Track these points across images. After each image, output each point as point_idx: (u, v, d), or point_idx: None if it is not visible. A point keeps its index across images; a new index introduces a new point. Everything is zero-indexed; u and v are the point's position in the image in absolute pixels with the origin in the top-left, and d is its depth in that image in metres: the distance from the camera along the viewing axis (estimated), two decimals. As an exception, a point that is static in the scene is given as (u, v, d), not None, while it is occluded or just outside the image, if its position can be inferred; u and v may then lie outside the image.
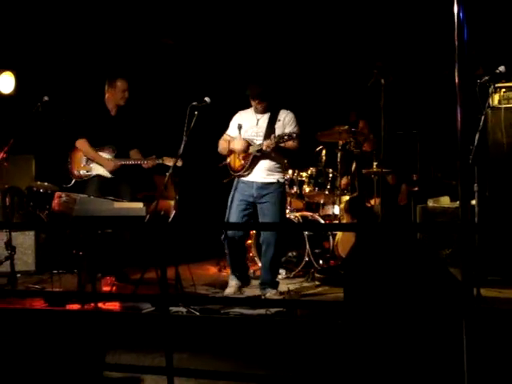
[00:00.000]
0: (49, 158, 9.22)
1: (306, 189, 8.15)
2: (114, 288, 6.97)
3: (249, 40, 9.64)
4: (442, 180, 8.53)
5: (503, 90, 6.93)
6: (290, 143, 6.49)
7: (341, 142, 8.03)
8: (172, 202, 7.04)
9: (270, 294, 6.57)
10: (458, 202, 3.33)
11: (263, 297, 6.58)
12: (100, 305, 6.26)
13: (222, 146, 6.79)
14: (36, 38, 9.18)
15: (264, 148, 6.45)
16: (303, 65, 9.71)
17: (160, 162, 7.14)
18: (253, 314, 5.85)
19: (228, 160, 6.77)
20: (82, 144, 7.47)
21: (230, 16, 9.35)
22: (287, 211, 8.21)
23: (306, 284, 7.41)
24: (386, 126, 7.10)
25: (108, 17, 9.27)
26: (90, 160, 7.41)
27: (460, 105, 3.26)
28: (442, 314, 3.49)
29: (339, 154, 8.07)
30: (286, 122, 6.61)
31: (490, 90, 6.58)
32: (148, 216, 6.37)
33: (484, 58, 7.03)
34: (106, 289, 6.96)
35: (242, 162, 6.63)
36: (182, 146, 6.30)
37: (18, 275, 7.43)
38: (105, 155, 7.41)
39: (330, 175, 8.12)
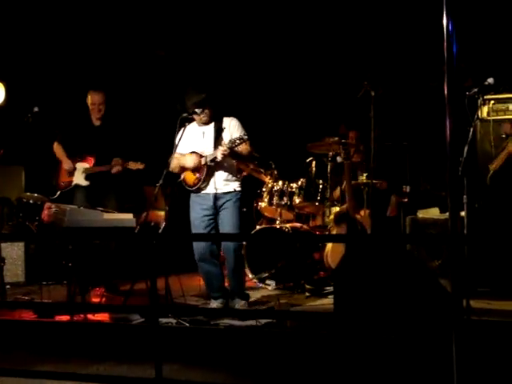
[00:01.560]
0: (39, 169, 9.20)
1: (296, 200, 8.14)
2: (104, 299, 6.95)
3: (239, 51, 9.67)
4: (432, 191, 8.55)
5: (492, 101, 6.96)
6: (243, 147, 6.41)
7: (331, 153, 8.04)
8: (162, 213, 7.05)
9: (239, 305, 6.54)
10: (447, 214, 3.34)
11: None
12: (89, 316, 6.24)
13: (174, 164, 6.58)
14: (26, 49, 9.18)
15: (219, 156, 6.33)
16: (294, 77, 9.74)
17: (125, 166, 7.39)
18: (242, 325, 5.85)
19: (182, 177, 6.67)
20: (56, 147, 7.73)
21: (221, 27, 9.38)
22: (277, 222, 8.22)
23: (295, 295, 7.41)
24: (376, 138, 7.11)
25: (100, 28, 9.28)
26: (72, 172, 7.56)
27: (449, 117, 3.28)
28: (431, 325, 3.50)
29: (329, 165, 8.08)
30: (231, 130, 6.53)
31: (478, 102, 6.61)
32: (138, 227, 6.37)
33: (473, 69, 7.07)
34: (95, 300, 6.94)
35: (197, 175, 6.51)
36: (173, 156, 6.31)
37: (8, 286, 7.41)
38: (84, 165, 7.56)
39: (320, 186, 8.12)
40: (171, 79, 9.93)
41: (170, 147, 6.51)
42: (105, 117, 7.66)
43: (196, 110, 6.48)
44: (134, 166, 7.39)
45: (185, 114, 6.39)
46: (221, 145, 6.38)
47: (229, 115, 6.68)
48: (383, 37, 8.85)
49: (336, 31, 9.11)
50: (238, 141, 6.27)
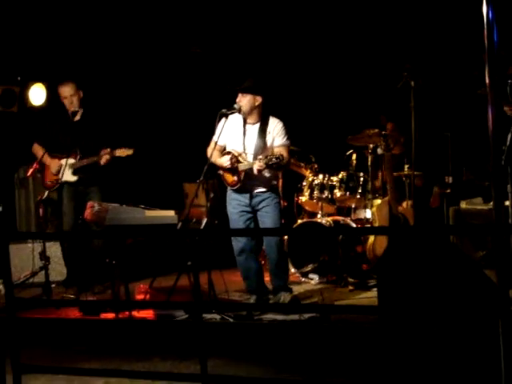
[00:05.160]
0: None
1: (337, 193, 8.10)
2: (148, 296, 6.99)
3: (276, 46, 9.65)
4: (475, 181, 8.45)
5: (535, 88, 6.84)
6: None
7: (371, 146, 7.99)
8: (203, 209, 7.07)
9: (284, 297, 6.48)
10: (491, 204, 3.30)
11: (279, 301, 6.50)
12: (134, 313, 6.29)
13: (214, 157, 6.56)
14: (67, 50, 9.25)
15: (255, 171, 6.27)
16: (333, 69, 9.69)
17: (113, 155, 7.34)
18: (286, 320, 5.84)
19: (221, 173, 6.63)
20: (35, 148, 7.74)
21: (257, 23, 9.36)
22: (318, 215, 8.20)
23: (339, 289, 7.39)
24: (417, 129, 7.05)
25: (137, 26, 9.33)
26: (59, 169, 7.52)
27: (492, 105, 3.24)
28: (477, 317, 3.45)
29: (370, 158, 8.03)
30: (275, 134, 6.46)
31: (521, 90, 6.50)
32: (180, 223, 6.40)
33: (515, 57, 6.96)
34: (139, 297, 6.98)
35: (235, 178, 6.47)
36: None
37: (53, 285, 7.49)
38: (70, 160, 7.46)
39: (361, 179, 8.07)
40: (209, 76, 9.96)
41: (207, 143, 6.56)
42: (84, 110, 7.64)
43: (239, 93, 6.45)
44: (122, 153, 7.30)
45: (224, 110, 6.39)
46: (260, 156, 6.29)
47: (274, 115, 6.62)
48: (423, 26, 8.75)
49: (375, 22, 9.04)
50: (274, 159, 6.12)
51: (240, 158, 6.46)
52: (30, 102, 9.08)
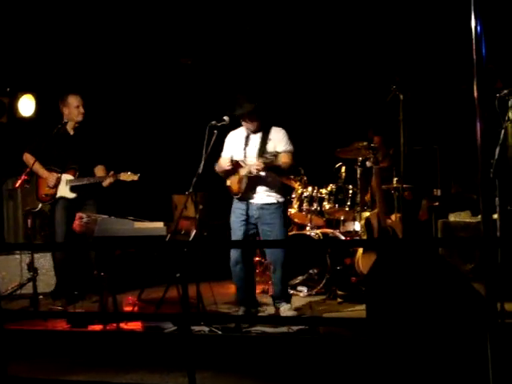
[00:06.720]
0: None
1: (326, 205, 8.11)
2: (136, 308, 6.98)
3: (265, 58, 9.67)
4: (463, 194, 8.47)
5: (523, 102, 6.86)
6: (282, 160, 6.38)
7: (360, 159, 8.00)
8: (192, 221, 7.07)
9: (284, 308, 6.52)
10: (479, 217, 3.31)
11: (278, 309, 6.56)
12: (122, 325, 6.27)
13: (220, 169, 6.69)
14: (56, 61, 9.24)
15: (253, 171, 6.34)
16: (322, 82, 9.71)
17: (117, 178, 7.28)
18: (275, 332, 5.84)
19: (228, 183, 6.67)
20: (27, 157, 7.61)
21: (248, 35, 9.39)
22: (307, 228, 8.20)
23: (327, 301, 7.38)
24: (406, 142, 7.07)
25: (126, 37, 9.34)
26: (57, 183, 7.45)
27: (480, 118, 3.25)
28: (465, 330, 3.46)
29: (359, 171, 8.04)
30: (277, 141, 6.51)
31: (509, 104, 6.52)
32: (169, 235, 6.39)
33: (503, 71, 6.99)
34: (127, 309, 6.96)
35: (238, 185, 6.52)
36: (202, 165, 6.32)
37: (40, 297, 7.45)
38: (68, 177, 7.48)
39: (350, 191, 8.08)
40: (199, 87, 9.96)
41: (199, 156, 6.55)
42: (80, 125, 7.60)
43: (246, 120, 6.53)
44: (126, 177, 7.25)
45: (213, 122, 6.39)
46: (260, 157, 6.36)
47: (276, 124, 6.67)
48: (411, 40, 8.80)
49: (363, 35, 9.08)
50: (269, 156, 6.23)
51: (242, 164, 6.52)
52: (19, 112, 9.05)
